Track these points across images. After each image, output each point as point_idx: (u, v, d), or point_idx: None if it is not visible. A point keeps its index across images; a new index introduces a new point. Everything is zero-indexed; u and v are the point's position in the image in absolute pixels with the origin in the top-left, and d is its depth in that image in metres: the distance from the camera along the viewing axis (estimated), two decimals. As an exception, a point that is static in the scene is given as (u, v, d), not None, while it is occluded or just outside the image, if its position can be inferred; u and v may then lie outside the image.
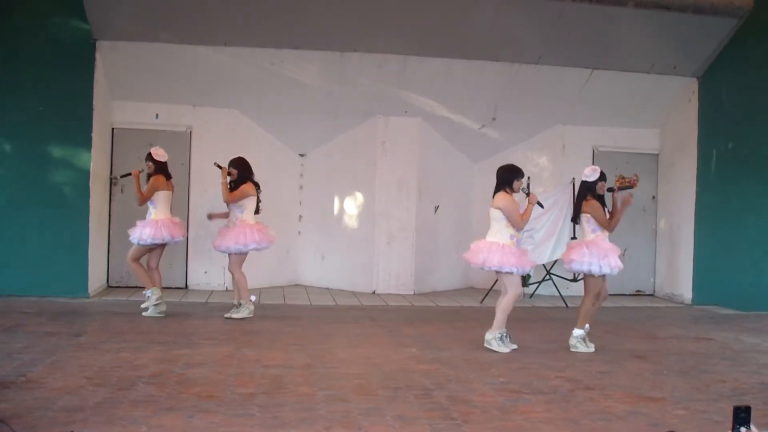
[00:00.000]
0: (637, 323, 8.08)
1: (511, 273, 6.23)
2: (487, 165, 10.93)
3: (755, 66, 9.34)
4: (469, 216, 11.08)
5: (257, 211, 7.65)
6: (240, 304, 7.56)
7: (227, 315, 7.53)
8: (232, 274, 7.62)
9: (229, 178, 7.49)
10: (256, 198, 7.59)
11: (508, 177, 6.33)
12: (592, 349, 6.37)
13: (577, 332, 6.42)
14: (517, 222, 6.23)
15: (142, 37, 8.65)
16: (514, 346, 6.30)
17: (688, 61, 9.71)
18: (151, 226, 7.41)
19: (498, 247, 6.23)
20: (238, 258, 7.55)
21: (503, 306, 6.28)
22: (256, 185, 7.61)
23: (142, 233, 7.38)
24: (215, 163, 7.60)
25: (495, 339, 6.27)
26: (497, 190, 6.33)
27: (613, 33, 9.10)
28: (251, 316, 7.55)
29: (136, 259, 7.51)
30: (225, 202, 7.51)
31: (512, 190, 6.30)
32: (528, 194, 6.43)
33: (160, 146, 7.73)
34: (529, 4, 8.72)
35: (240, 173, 7.48)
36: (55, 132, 8.53)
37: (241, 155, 7.66)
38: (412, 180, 10.14)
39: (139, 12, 8.38)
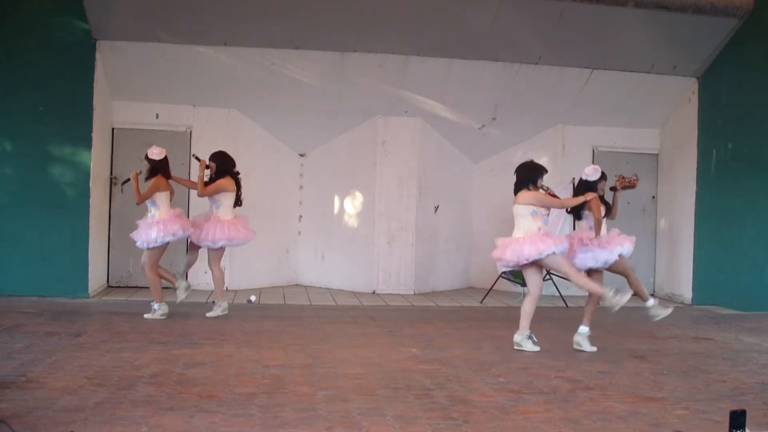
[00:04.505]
0: (637, 323, 8.08)
1: (554, 253, 6.14)
2: (487, 165, 10.98)
3: (755, 66, 9.34)
4: (469, 216, 11.09)
5: (238, 204, 7.61)
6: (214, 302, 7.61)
7: (208, 314, 7.56)
8: (211, 270, 7.59)
9: (208, 172, 7.45)
10: (234, 194, 7.53)
11: (531, 175, 6.31)
12: (594, 350, 6.40)
13: (650, 302, 6.53)
14: (559, 204, 6.34)
15: (142, 37, 8.66)
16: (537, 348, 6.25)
17: (688, 61, 9.72)
18: (159, 225, 7.25)
19: (528, 236, 6.16)
20: (215, 253, 7.52)
21: (590, 291, 6.27)
22: (237, 179, 7.56)
23: (148, 236, 7.22)
24: (194, 155, 7.64)
25: (524, 339, 6.29)
26: (519, 188, 6.31)
27: (613, 33, 9.10)
28: (225, 313, 7.58)
29: (154, 268, 7.33)
30: (198, 195, 7.50)
31: (535, 187, 6.27)
32: (546, 190, 6.39)
33: (159, 145, 7.61)
34: (529, 4, 8.73)
35: (219, 167, 7.42)
36: (55, 132, 8.53)
37: (223, 149, 7.61)
38: (412, 180, 10.14)
39: (139, 12, 8.39)
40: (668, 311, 6.49)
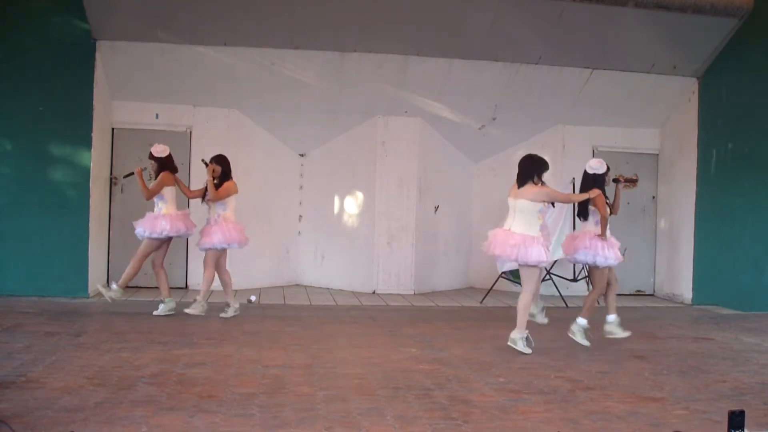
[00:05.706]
0: (637, 323, 8.07)
1: (537, 267, 6.15)
2: (487, 165, 10.98)
3: (755, 66, 9.34)
4: (469, 216, 11.09)
5: None
6: (194, 302, 7.73)
7: (223, 315, 7.62)
8: (206, 269, 7.62)
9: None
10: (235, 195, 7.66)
11: (536, 169, 6.15)
12: (587, 344, 6.50)
13: (582, 321, 6.55)
14: (566, 198, 6.46)
15: (142, 37, 8.65)
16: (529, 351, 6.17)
17: (688, 61, 9.72)
18: (166, 219, 7.40)
19: (536, 240, 6.04)
20: (215, 254, 7.55)
21: (519, 318, 6.15)
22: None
23: (154, 225, 7.36)
24: (203, 160, 7.71)
25: (521, 339, 6.15)
26: (523, 180, 6.13)
27: (613, 33, 9.10)
28: (237, 313, 7.68)
29: (142, 258, 7.48)
30: (210, 200, 7.52)
31: (540, 180, 6.14)
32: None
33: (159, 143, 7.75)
34: (529, 4, 8.72)
35: (223, 170, 7.54)
36: (55, 132, 8.53)
37: (223, 153, 7.69)
38: (412, 180, 10.14)
39: (139, 12, 8.38)
40: (585, 343, 6.52)
